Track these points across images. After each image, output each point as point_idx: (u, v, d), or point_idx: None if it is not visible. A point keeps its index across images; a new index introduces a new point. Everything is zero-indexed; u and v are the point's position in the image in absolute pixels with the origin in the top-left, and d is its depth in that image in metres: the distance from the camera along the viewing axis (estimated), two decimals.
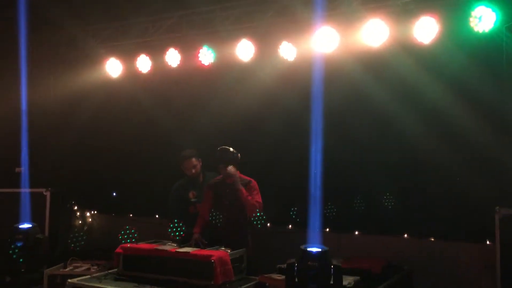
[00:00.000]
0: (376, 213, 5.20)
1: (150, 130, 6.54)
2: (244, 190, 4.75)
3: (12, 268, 4.73)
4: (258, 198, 4.82)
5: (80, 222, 7.35)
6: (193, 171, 5.17)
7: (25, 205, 5.33)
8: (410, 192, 5.07)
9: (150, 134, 6.57)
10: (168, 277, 4.10)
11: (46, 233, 5.72)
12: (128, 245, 4.40)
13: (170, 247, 4.35)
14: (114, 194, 7.03)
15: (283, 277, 3.90)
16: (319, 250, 3.46)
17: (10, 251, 4.70)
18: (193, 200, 5.21)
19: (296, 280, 3.46)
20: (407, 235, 5.13)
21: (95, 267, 4.73)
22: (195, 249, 4.29)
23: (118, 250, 4.39)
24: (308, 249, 3.48)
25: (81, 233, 6.99)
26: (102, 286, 4.06)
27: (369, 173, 5.19)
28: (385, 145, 5.17)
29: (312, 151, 4.60)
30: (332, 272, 3.38)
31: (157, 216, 6.61)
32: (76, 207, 7.34)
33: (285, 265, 3.74)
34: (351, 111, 5.28)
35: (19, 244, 4.71)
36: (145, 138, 6.62)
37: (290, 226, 5.64)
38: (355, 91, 5.21)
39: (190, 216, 5.20)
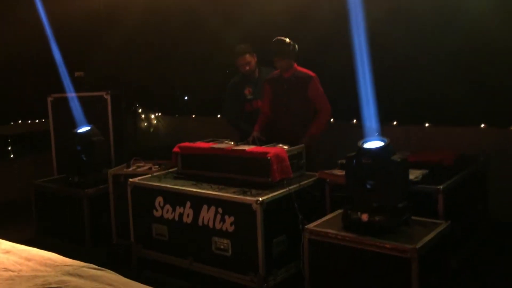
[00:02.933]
0: (448, 103, 4.75)
1: (199, 28, 6.22)
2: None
3: (79, 169, 4.90)
4: (323, 101, 4.52)
5: (145, 124, 7.49)
6: (247, 67, 4.90)
7: (85, 109, 5.42)
8: (486, 79, 4.52)
9: (200, 32, 6.27)
10: (225, 175, 4.04)
11: (111, 136, 5.81)
12: (185, 145, 4.35)
13: (226, 145, 4.23)
14: (186, 98, 6.97)
15: (343, 172, 3.70)
16: (376, 145, 3.17)
17: (73, 154, 4.86)
18: (249, 97, 4.99)
19: (355, 175, 3.23)
20: (484, 124, 4.68)
21: (157, 166, 4.75)
22: (251, 146, 4.15)
23: (176, 149, 4.36)
24: (365, 145, 3.20)
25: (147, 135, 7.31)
26: (162, 184, 4.08)
27: (438, 61, 4.67)
28: (454, 31, 4.55)
29: (369, 39, 4.13)
30: (392, 167, 3.10)
31: (218, 116, 6.54)
32: (140, 110, 7.46)
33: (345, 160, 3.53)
34: None
35: (79, 148, 4.82)
36: (196, 36, 6.33)
37: (354, 120, 5.34)
38: None
39: (247, 113, 5.04)
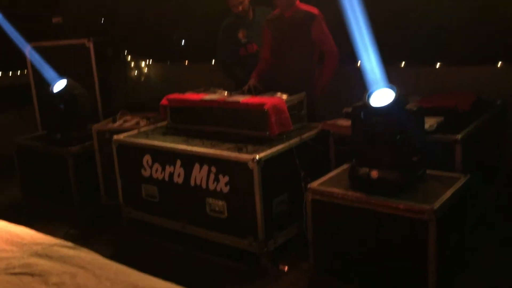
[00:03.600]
0: (461, 40, 4.29)
1: None
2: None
3: (61, 125, 4.52)
4: (329, 43, 4.05)
5: (136, 73, 7.03)
6: (240, 8, 4.39)
7: (65, 59, 4.96)
8: (503, 11, 4.04)
9: None
10: (219, 129, 3.67)
11: (96, 88, 5.38)
12: (174, 96, 3.95)
13: (219, 95, 3.83)
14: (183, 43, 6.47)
15: (349, 122, 3.32)
16: (384, 97, 2.76)
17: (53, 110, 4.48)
18: (243, 41, 4.52)
19: (363, 128, 2.85)
20: (501, 62, 4.25)
21: (145, 120, 4.37)
22: (246, 96, 3.74)
23: (164, 101, 3.96)
24: (371, 97, 2.79)
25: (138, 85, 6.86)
26: (149, 142, 3.71)
27: None
28: None
29: None
30: (406, 118, 2.72)
31: (213, 62, 6.08)
32: (129, 58, 6.97)
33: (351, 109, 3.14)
34: None
35: (61, 106, 4.43)
36: None
37: (358, 63, 4.89)
38: None
39: (242, 59, 4.59)
